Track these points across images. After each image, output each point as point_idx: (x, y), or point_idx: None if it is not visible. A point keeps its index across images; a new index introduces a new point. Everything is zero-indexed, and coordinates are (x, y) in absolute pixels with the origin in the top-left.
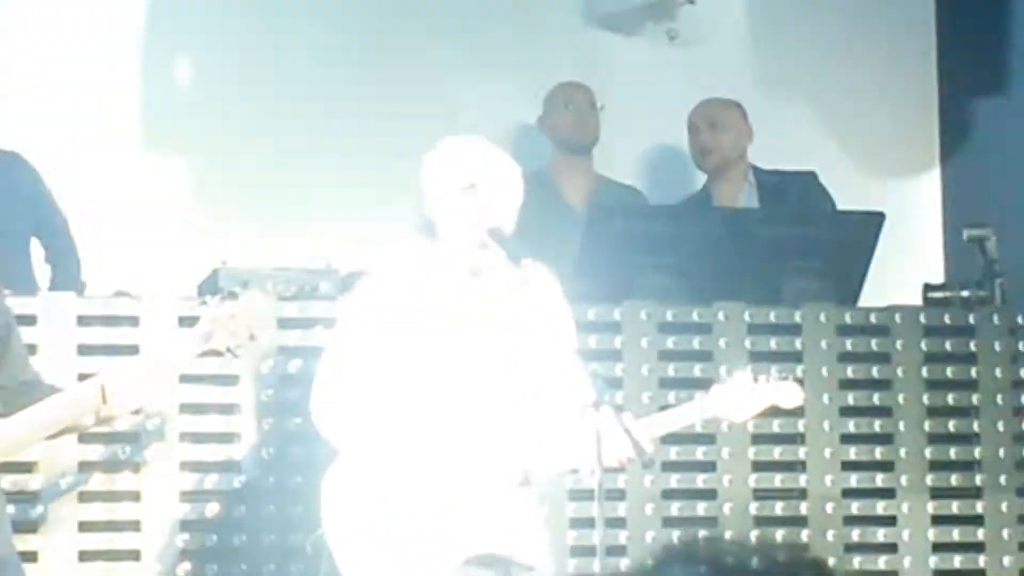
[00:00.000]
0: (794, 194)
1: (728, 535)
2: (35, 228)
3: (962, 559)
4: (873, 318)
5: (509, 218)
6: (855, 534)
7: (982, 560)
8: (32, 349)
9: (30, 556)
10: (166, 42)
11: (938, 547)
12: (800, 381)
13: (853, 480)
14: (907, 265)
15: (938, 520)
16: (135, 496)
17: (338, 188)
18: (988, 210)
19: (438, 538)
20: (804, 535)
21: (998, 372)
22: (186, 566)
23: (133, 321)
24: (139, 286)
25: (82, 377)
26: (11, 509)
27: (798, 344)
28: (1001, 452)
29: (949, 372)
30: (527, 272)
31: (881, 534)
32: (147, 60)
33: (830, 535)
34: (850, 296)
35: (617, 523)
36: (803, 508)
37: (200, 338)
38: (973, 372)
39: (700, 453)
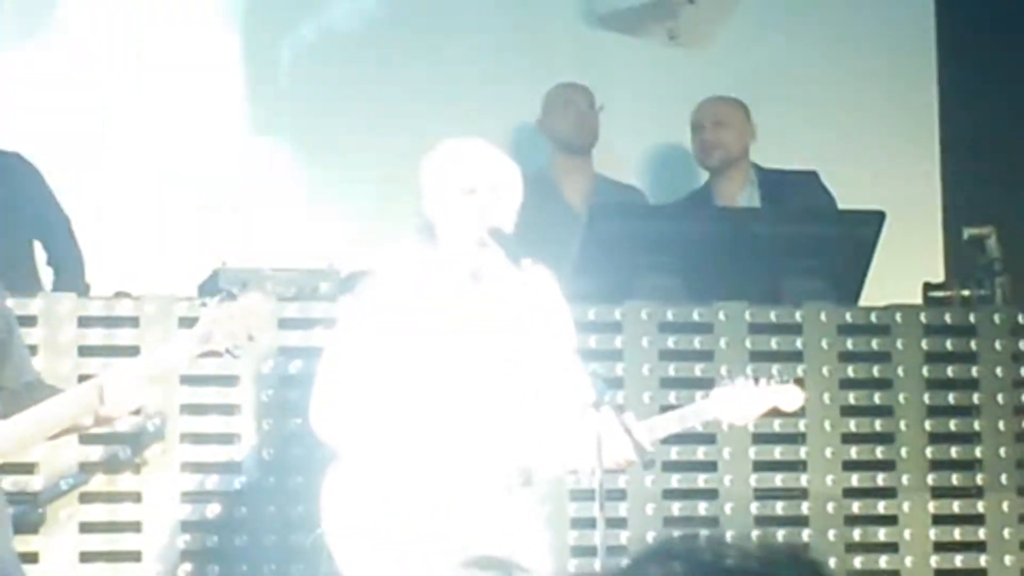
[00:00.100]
0: (796, 193)
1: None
2: (37, 230)
3: (963, 558)
4: (874, 317)
5: (509, 219)
6: (856, 534)
7: (983, 559)
8: (32, 350)
9: (31, 557)
10: (165, 38)
11: (939, 546)
12: (801, 381)
13: (854, 480)
14: (908, 264)
15: (939, 519)
16: (136, 497)
17: (338, 188)
18: (988, 209)
19: (438, 539)
20: (805, 535)
21: (999, 371)
22: (187, 567)
23: (133, 322)
24: (139, 287)
25: (83, 378)
26: (11, 510)
27: (799, 343)
28: (1002, 451)
29: (950, 371)
30: (527, 273)
31: (882, 534)
32: (152, 62)
33: (831, 535)
34: (851, 295)
35: (618, 523)
36: (804, 508)
37: (200, 339)
38: (974, 371)
39: (701, 453)
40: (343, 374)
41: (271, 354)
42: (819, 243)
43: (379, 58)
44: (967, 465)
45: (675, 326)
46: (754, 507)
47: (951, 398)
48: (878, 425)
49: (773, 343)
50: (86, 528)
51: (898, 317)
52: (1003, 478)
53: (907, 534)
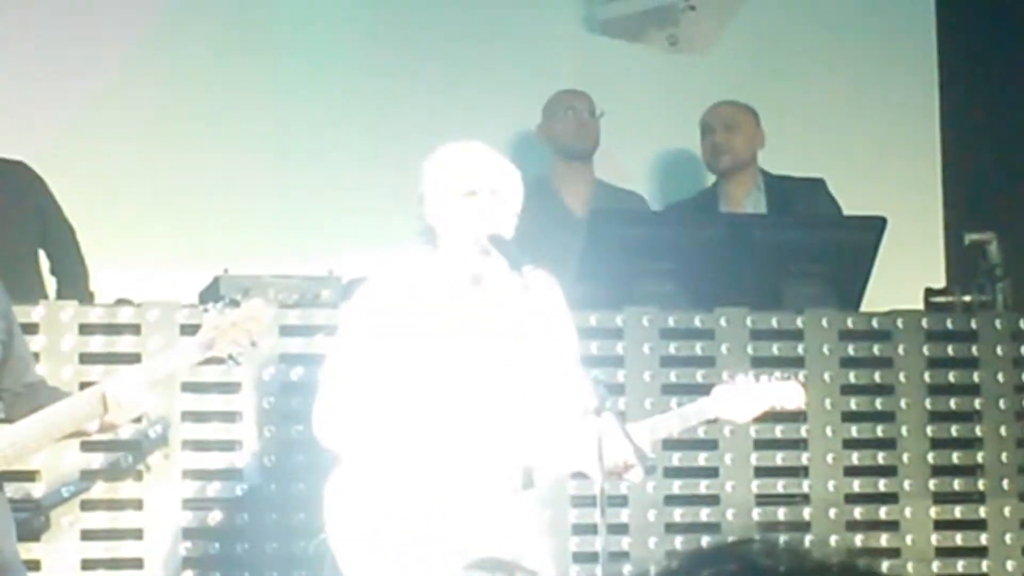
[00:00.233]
0: (802, 200)
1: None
2: (41, 238)
3: (965, 564)
4: (875, 323)
5: (509, 223)
6: (858, 539)
7: (985, 565)
8: (35, 357)
9: (33, 564)
10: (165, 47)
11: (941, 552)
12: (802, 386)
13: (856, 485)
14: (909, 270)
15: (941, 525)
16: (137, 504)
17: (339, 195)
18: (989, 214)
19: (440, 543)
20: (807, 540)
21: (1000, 376)
22: (188, 574)
23: (135, 329)
24: (141, 294)
25: (84, 385)
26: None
27: (800, 349)
28: (1004, 456)
29: (951, 377)
30: (528, 278)
31: (884, 539)
32: (146, 70)
33: (833, 540)
34: (852, 301)
35: (619, 529)
36: (806, 514)
37: (201, 346)
38: (975, 376)
39: (702, 459)
40: (345, 379)
41: (272, 361)
42: (821, 249)
43: (380, 65)
44: (969, 470)
45: (676, 332)
46: (756, 513)
47: (952, 403)
48: (880, 431)
49: (775, 349)
50: (88, 535)
51: (899, 323)
52: (1005, 483)
53: (909, 539)
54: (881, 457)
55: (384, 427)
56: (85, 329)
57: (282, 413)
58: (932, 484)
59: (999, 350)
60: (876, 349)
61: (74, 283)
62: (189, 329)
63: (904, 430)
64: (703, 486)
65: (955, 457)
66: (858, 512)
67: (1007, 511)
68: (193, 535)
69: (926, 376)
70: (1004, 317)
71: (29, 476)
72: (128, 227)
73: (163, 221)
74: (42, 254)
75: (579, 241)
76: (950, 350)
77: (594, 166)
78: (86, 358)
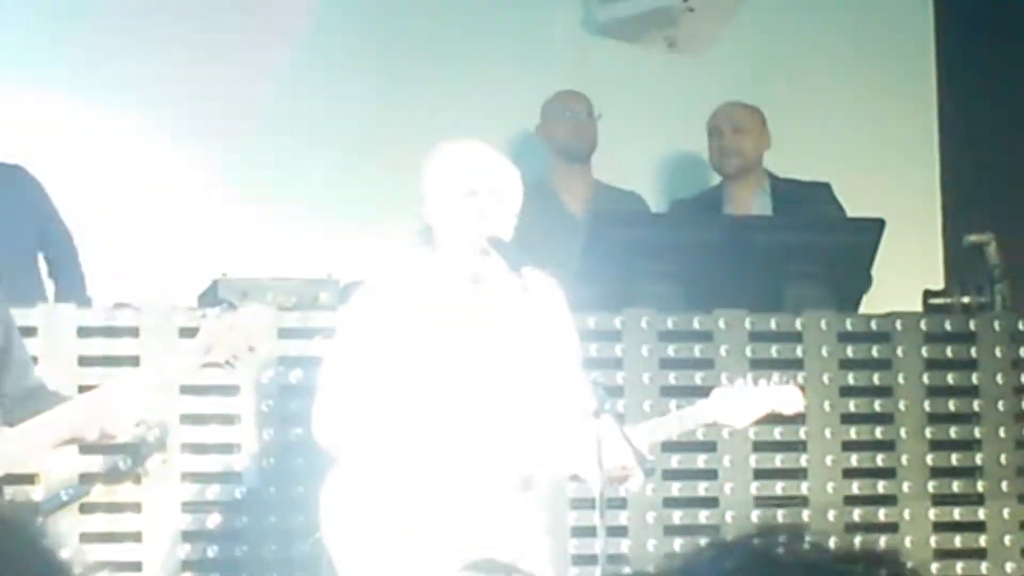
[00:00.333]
0: (808, 204)
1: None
2: (39, 242)
3: (964, 566)
4: (874, 325)
5: (509, 222)
6: (857, 541)
7: (984, 567)
8: (33, 360)
9: None
10: (164, 49)
11: (940, 554)
12: (801, 388)
13: (855, 487)
14: (908, 271)
15: (940, 527)
16: (136, 507)
17: (337, 197)
18: (988, 216)
19: (438, 544)
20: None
21: (999, 378)
22: None
23: (133, 332)
24: (139, 297)
25: (83, 388)
26: None
27: (799, 351)
28: (1003, 458)
29: (950, 378)
30: (527, 280)
31: (883, 541)
32: (144, 72)
33: (832, 542)
34: (851, 303)
35: (619, 532)
36: (805, 516)
37: (200, 351)
38: (974, 378)
39: (701, 461)
40: (343, 380)
41: (271, 364)
42: (819, 251)
43: (379, 66)
44: (968, 472)
45: (675, 334)
46: (755, 515)
47: (951, 405)
48: (879, 432)
49: (773, 351)
50: (86, 539)
51: (898, 324)
52: (1004, 485)
53: (908, 541)
54: (880, 459)
55: (382, 427)
56: (83, 332)
57: (281, 416)
58: (931, 486)
59: (998, 352)
60: (875, 351)
61: (71, 288)
62: (188, 332)
63: (903, 432)
64: (702, 488)
65: (954, 459)
66: (857, 514)
67: (1006, 513)
68: (192, 538)
69: (925, 378)
70: (1003, 318)
71: (28, 480)
72: (126, 230)
73: (161, 224)
74: (40, 258)
75: (578, 242)
76: (949, 352)
77: (592, 167)
78: (85, 361)
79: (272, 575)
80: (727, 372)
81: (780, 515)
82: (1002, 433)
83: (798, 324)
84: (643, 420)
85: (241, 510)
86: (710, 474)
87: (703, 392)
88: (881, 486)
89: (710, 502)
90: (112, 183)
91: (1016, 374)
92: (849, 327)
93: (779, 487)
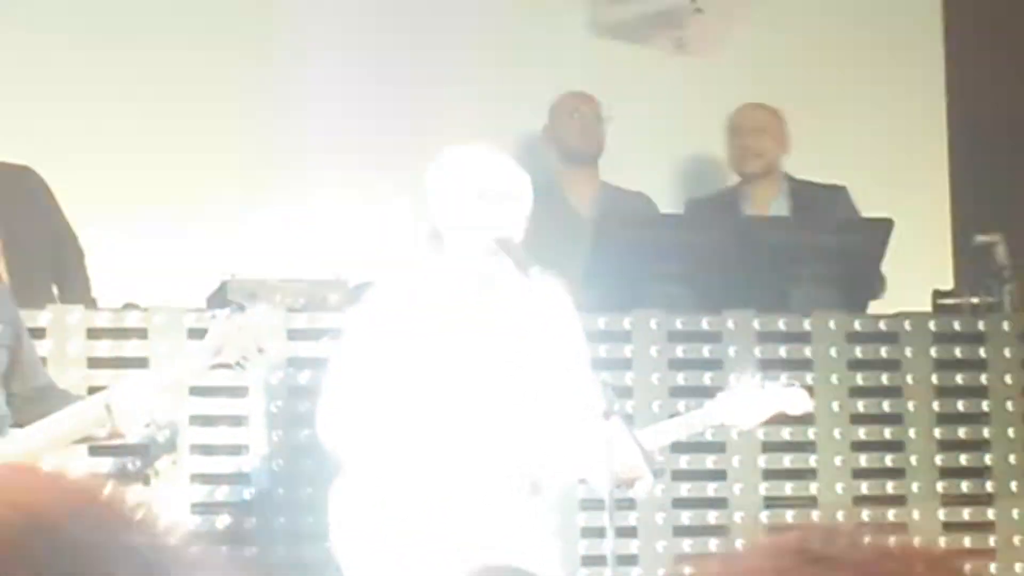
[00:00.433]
0: (825, 207)
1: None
2: (46, 243)
3: (973, 566)
4: (883, 325)
5: (518, 225)
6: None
7: (993, 567)
8: (41, 362)
9: None
10: (171, 49)
11: None
12: (810, 388)
13: (864, 488)
14: (916, 272)
15: (949, 527)
16: None
17: (346, 198)
18: (997, 216)
19: (443, 546)
20: None
21: (1008, 378)
22: None
23: (142, 333)
24: (148, 298)
25: (92, 389)
26: None
27: (808, 352)
28: (1012, 458)
29: (959, 379)
30: (535, 282)
31: (892, 542)
32: (152, 72)
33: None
34: (860, 303)
35: (628, 532)
36: (814, 516)
37: (209, 352)
38: (983, 378)
39: (710, 462)
40: (349, 382)
41: (280, 365)
42: (827, 251)
43: (387, 67)
44: (977, 472)
45: (684, 335)
46: (764, 516)
47: (960, 405)
48: (888, 433)
49: (782, 351)
50: None
51: (907, 325)
52: (1013, 485)
53: (917, 542)
54: (889, 459)
55: (388, 429)
56: (92, 333)
57: (290, 417)
58: (940, 486)
59: (1007, 352)
60: (884, 351)
61: (75, 291)
62: (196, 333)
63: (912, 432)
64: (711, 489)
65: (963, 459)
66: (866, 515)
67: (1015, 513)
68: (200, 539)
69: (934, 378)
70: (1012, 319)
71: None
72: (135, 231)
73: (170, 225)
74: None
75: (586, 243)
76: (958, 352)
77: (600, 169)
78: (93, 362)
79: None
80: (736, 372)
81: (789, 516)
82: (1011, 433)
83: (807, 324)
84: (652, 421)
85: (250, 511)
86: (719, 475)
87: (712, 393)
88: (890, 487)
89: (719, 503)
90: (121, 183)
91: None
92: (858, 327)
93: (788, 488)
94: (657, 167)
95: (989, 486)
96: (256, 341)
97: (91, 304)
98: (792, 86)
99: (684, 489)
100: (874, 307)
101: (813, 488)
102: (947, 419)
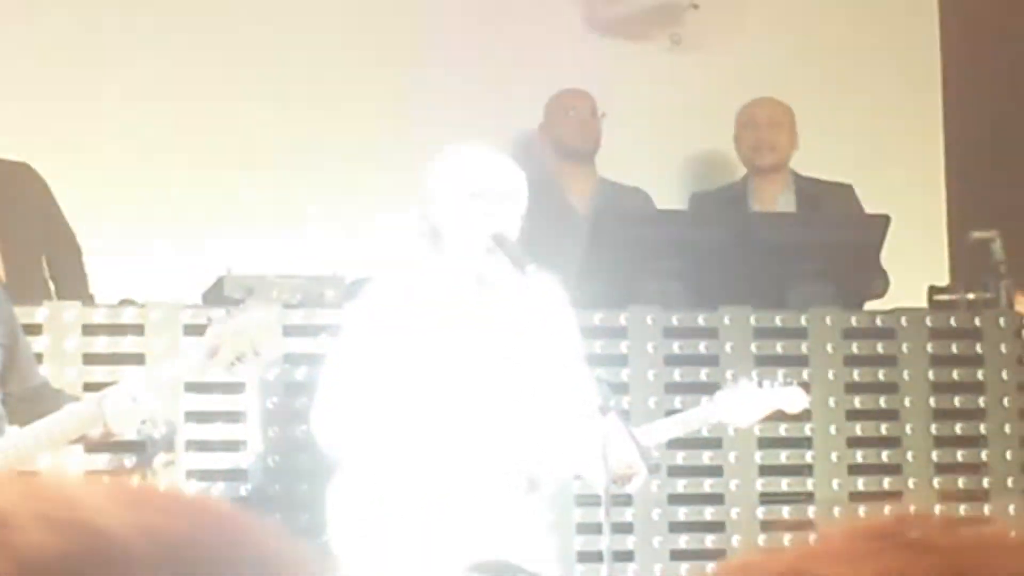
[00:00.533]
0: (832, 204)
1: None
2: (44, 240)
3: None
4: (879, 321)
5: (515, 224)
6: None
7: None
8: (38, 358)
9: None
10: (169, 47)
11: None
12: (806, 385)
13: (860, 484)
14: (913, 268)
15: None
16: None
17: (342, 195)
18: (993, 212)
19: (444, 544)
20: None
21: (1004, 374)
22: None
23: (138, 329)
24: (144, 294)
25: (88, 386)
26: None
27: (804, 348)
28: (1008, 454)
29: (955, 375)
30: (531, 279)
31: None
32: (149, 69)
33: None
34: (857, 299)
35: (624, 528)
36: (810, 512)
37: (206, 353)
38: (979, 374)
39: (707, 458)
40: (345, 379)
41: (276, 361)
42: (824, 247)
43: (382, 65)
44: (973, 469)
45: (680, 331)
46: (760, 512)
47: (957, 401)
48: (884, 429)
49: (778, 347)
50: None
51: (903, 321)
52: (1009, 481)
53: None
54: (885, 455)
55: (384, 426)
56: (88, 330)
57: (286, 413)
58: (936, 482)
59: (1003, 348)
60: (880, 347)
61: (72, 288)
62: (193, 329)
63: (908, 428)
64: (707, 485)
65: (959, 455)
66: (862, 510)
67: (1012, 509)
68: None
69: (930, 374)
70: (1008, 315)
71: None
72: (131, 227)
73: (166, 221)
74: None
75: (582, 239)
76: (954, 348)
77: (596, 166)
78: (89, 359)
79: None
80: (732, 369)
81: (785, 512)
82: (1007, 429)
83: (803, 320)
84: (648, 417)
85: (246, 508)
86: (716, 471)
87: (708, 389)
88: (886, 482)
89: (715, 499)
90: (117, 179)
91: (1021, 370)
92: (854, 323)
93: (784, 484)
94: (653, 163)
95: (985, 482)
96: (253, 343)
97: (89, 301)
98: (788, 82)
99: (680, 485)
100: (870, 303)
101: (809, 484)
102: (943, 415)
